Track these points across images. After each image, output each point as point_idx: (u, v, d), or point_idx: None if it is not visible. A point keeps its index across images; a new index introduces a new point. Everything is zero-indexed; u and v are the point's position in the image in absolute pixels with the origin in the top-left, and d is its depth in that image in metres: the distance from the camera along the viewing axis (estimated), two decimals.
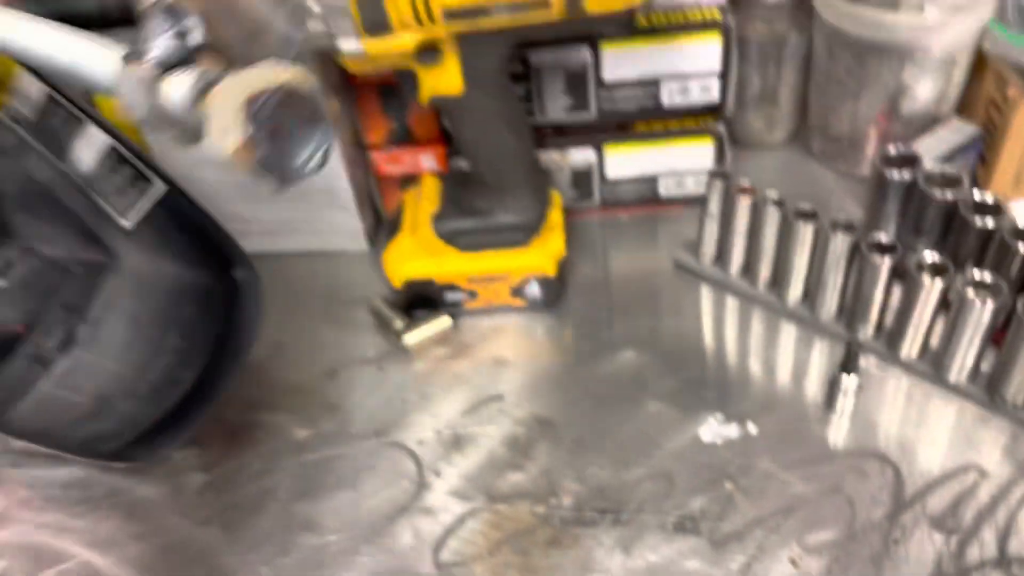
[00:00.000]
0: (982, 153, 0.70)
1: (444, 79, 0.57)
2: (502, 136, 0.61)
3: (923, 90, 0.68)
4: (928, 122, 0.71)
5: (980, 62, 0.69)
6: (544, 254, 0.66)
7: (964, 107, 0.72)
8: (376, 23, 0.52)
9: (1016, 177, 0.69)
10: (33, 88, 0.62)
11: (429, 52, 0.55)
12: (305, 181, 0.71)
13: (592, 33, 0.64)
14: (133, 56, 0.32)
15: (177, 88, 0.31)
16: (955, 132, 0.67)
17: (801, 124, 0.80)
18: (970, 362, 0.57)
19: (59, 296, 0.70)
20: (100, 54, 0.33)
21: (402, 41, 0.53)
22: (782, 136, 0.80)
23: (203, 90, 0.31)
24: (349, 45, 0.53)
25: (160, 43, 0.32)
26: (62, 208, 0.70)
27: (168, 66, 0.31)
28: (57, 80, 0.62)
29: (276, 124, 0.33)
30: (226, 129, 0.31)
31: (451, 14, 0.52)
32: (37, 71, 0.61)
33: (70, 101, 0.62)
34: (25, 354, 0.67)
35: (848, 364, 0.57)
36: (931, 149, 0.66)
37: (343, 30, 0.52)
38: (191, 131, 0.32)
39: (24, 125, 0.65)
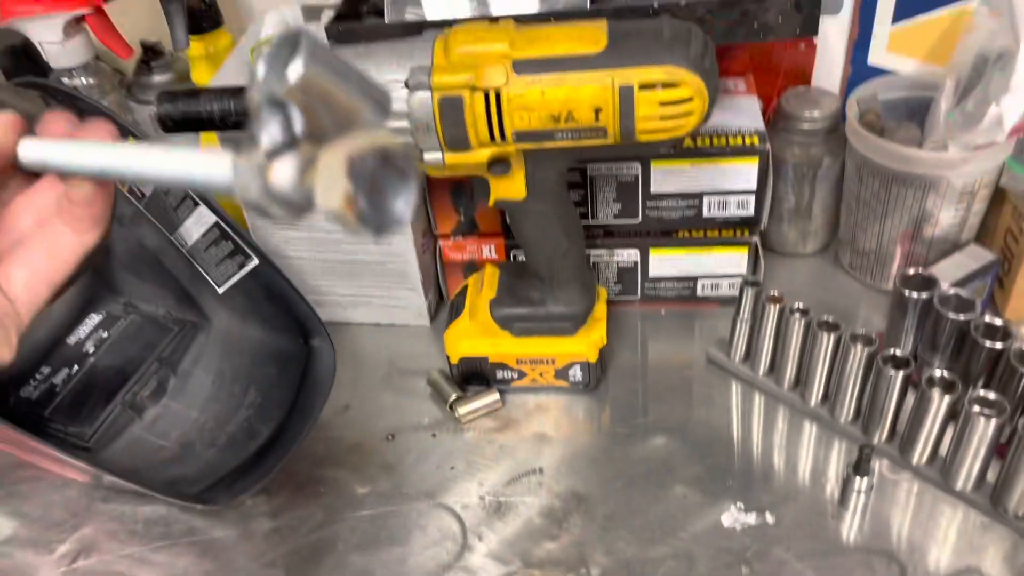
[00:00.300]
0: (1000, 278, 0.76)
1: (510, 187, 0.65)
2: (557, 237, 0.68)
3: (945, 217, 0.75)
4: (949, 245, 0.77)
5: (999, 194, 0.75)
6: (588, 342, 0.73)
7: (984, 233, 0.78)
8: (457, 140, 0.60)
9: None
10: None
11: (499, 164, 0.64)
12: (380, 264, 0.79)
13: (642, 154, 0.72)
14: (245, 147, 0.37)
15: (285, 168, 0.35)
16: (973, 257, 0.73)
17: (832, 238, 0.86)
18: (976, 472, 0.62)
19: (155, 350, 0.79)
20: (211, 159, 0.39)
21: (478, 156, 0.62)
22: (814, 248, 0.86)
23: (308, 165, 0.36)
24: (432, 156, 0.62)
25: (268, 133, 0.36)
26: (165, 272, 0.80)
27: (275, 152, 0.36)
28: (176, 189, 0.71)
29: (374, 181, 0.36)
30: (330, 189, 0.36)
31: (521, 136, 0.60)
32: None
33: None
34: (122, 400, 0.76)
35: (860, 466, 0.62)
36: (950, 272, 0.72)
37: (428, 144, 0.61)
38: (299, 204, 0.37)
39: (141, 200, 0.75)
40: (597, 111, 0.59)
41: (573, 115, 0.59)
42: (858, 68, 0.83)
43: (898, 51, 0.81)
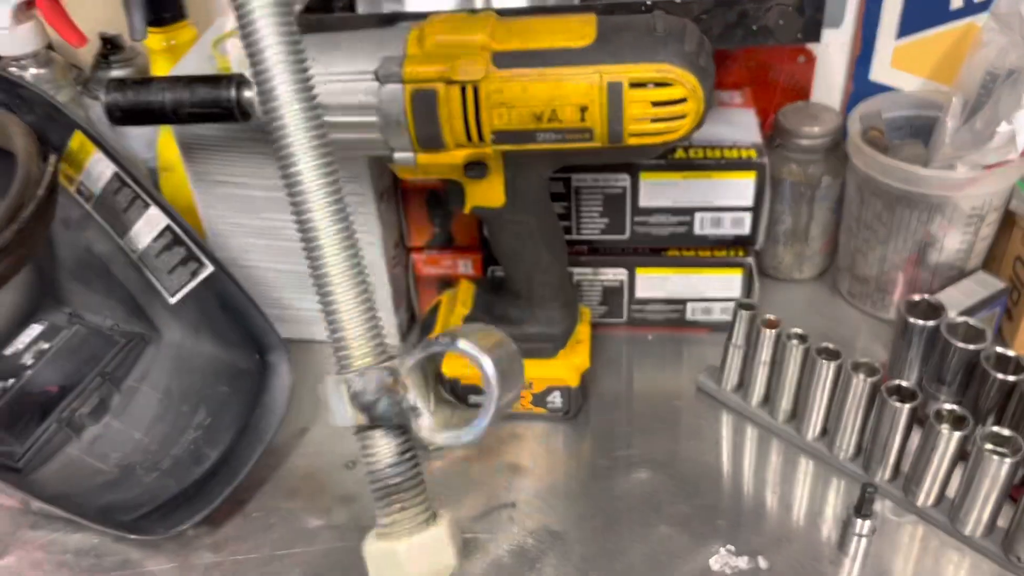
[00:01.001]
0: (1008, 308, 0.71)
1: (488, 192, 0.60)
2: (538, 250, 0.63)
3: (951, 242, 0.70)
4: (955, 272, 0.72)
5: (1007, 219, 0.71)
6: (568, 366, 0.67)
7: (991, 260, 0.74)
8: (431, 139, 0.55)
9: None
10: (104, 168, 0.66)
11: (476, 167, 0.58)
12: None
13: (630, 162, 0.67)
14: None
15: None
16: (982, 285, 0.69)
17: (830, 263, 0.82)
18: (986, 516, 0.57)
19: (98, 364, 0.73)
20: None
21: (452, 156, 0.57)
22: (811, 273, 0.82)
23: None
24: (403, 155, 0.57)
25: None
26: (114, 281, 0.74)
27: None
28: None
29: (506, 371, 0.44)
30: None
31: (500, 136, 0.55)
32: (110, 152, 0.66)
33: (137, 183, 0.66)
34: (58, 417, 0.69)
35: (863, 508, 0.57)
36: (957, 300, 0.67)
37: (398, 143, 0.56)
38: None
39: (90, 200, 0.70)
40: (583, 110, 0.54)
41: (557, 114, 0.54)
42: (860, 84, 0.79)
43: (902, 67, 0.77)
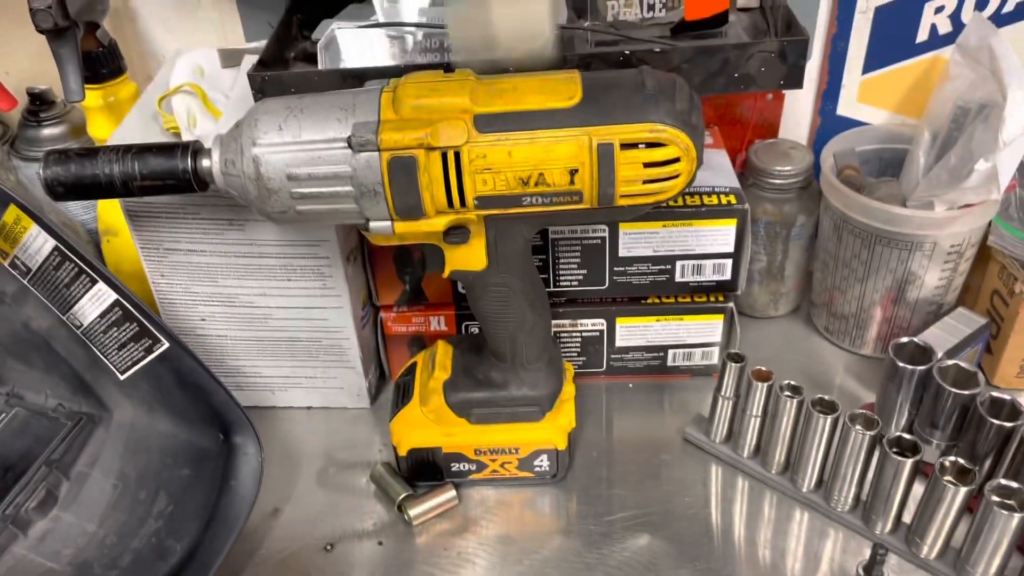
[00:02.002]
0: (988, 342, 0.71)
1: (469, 256, 0.57)
2: (522, 311, 0.60)
3: (931, 279, 0.70)
4: (934, 308, 0.72)
5: (984, 252, 0.71)
6: (556, 428, 0.64)
7: (966, 293, 0.74)
8: (410, 209, 0.52)
9: (1021, 367, 0.70)
10: (43, 242, 0.61)
11: (457, 232, 0.55)
12: (314, 340, 0.69)
13: (617, 219, 0.65)
14: None
15: None
16: (964, 322, 0.68)
17: (805, 299, 0.81)
18: (994, 569, 0.56)
19: (43, 450, 0.67)
20: None
21: (433, 224, 0.53)
22: (786, 310, 0.80)
23: None
24: (379, 225, 0.53)
25: None
26: (57, 357, 0.68)
27: None
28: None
29: None
30: None
31: (484, 202, 0.52)
32: (49, 226, 0.60)
33: (80, 258, 0.61)
34: (1, 515, 0.63)
35: (873, 569, 0.55)
36: (942, 339, 0.67)
37: (374, 212, 0.52)
38: None
39: (27, 275, 0.64)
40: (572, 173, 0.51)
41: (545, 178, 0.51)
42: (827, 119, 0.78)
43: (869, 101, 0.76)
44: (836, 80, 0.76)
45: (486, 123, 0.50)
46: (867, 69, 0.75)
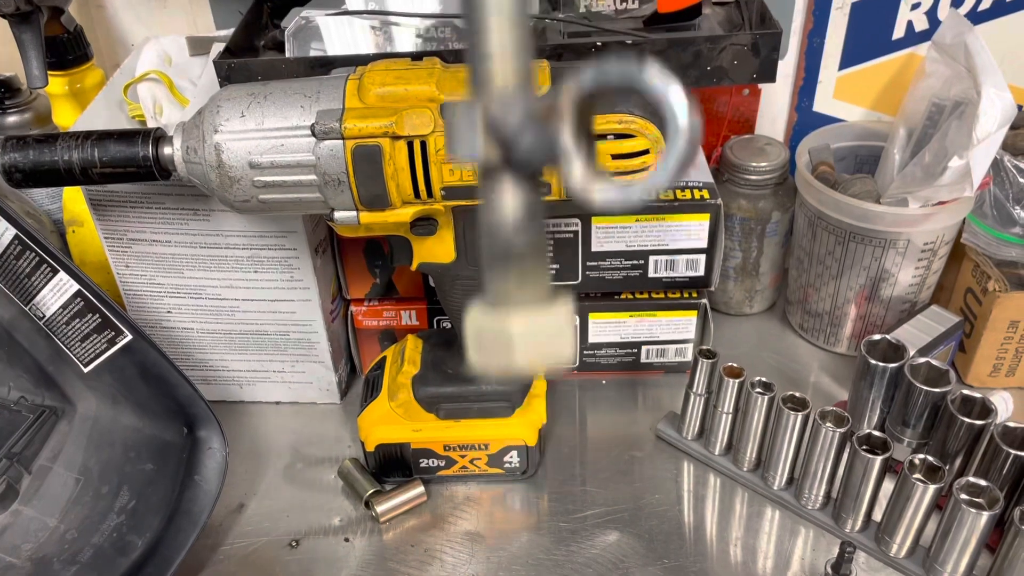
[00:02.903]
0: (961, 342, 0.71)
1: (437, 248, 0.56)
2: None
3: (904, 276, 0.69)
4: (907, 306, 0.72)
5: (957, 250, 0.70)
6: (525, 424, 0.63)
7: (939, 291, 0.73)
8: (375, 199, 0.51)
9: (994, 367, 0.70)
10: (2, 230, 0.59)
11: (424, 223, 0.54)
12: (282, 333, 0.69)
13: (585, 213, 0.64)
14: None
15: None
16: (937, 320, 0.68)
17: (780, 296, 0.80)
18: (963, 566, 0.55)
19: (3, 443, 0.66)
20: None
21: (399, 215, 0.52)
22: (761, 307, 0.80)
23: None
24: (344, 215, 0.52)
25: None
26: (18, 348, 0.66)
27: None
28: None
29: None
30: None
31: (451, 192, 0.51)
32: (9, 214, 0.59)
33: (41, 247, 0.60)
34: None
35: (841, 567, 0.55)
36: (915, 337, 0.66)
37: (339, 202, 0.51)
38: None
39: None
40: None
41: None
42: (803, 115, 0.77)
43: (845, 98, 0.76)
44: (812, 76, 0.76)
45: None
46: (843, 65, 0.75)
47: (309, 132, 0.49)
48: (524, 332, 0.33)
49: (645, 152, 0.50)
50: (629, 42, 0.57)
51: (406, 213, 0.52)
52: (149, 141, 0.51)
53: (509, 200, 0.31)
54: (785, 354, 0.77)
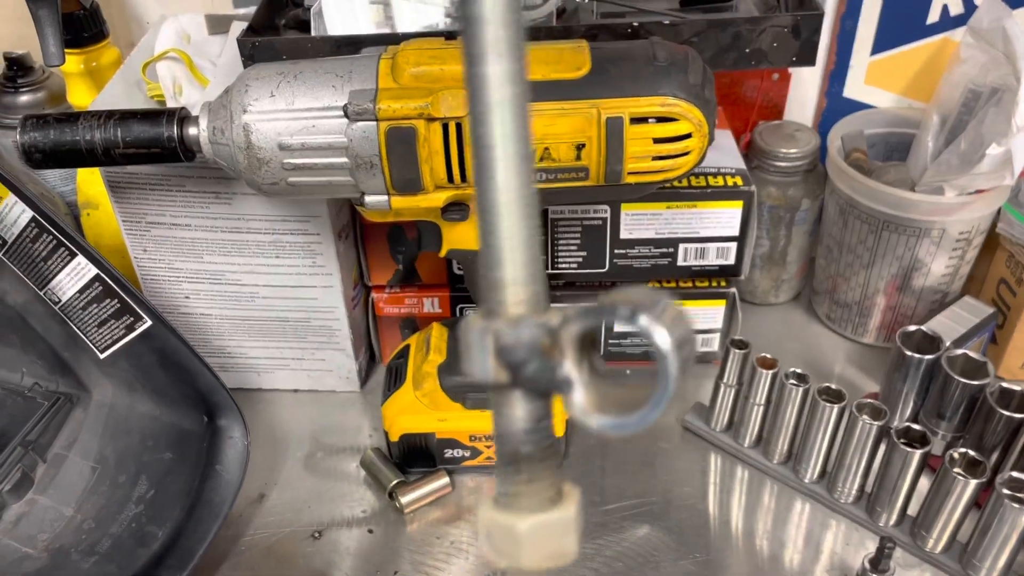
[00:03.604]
0: (993, 334, 0.70)
1: (468, 234, 0.54)
2: None
3: (937, 266, 0.68)
4: (939, 296, 0.70)
5: (990, 240, 0.69)
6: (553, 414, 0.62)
7: (970, 282, 0.72)
8: (408, 183, 0.49)
9: None
10: (19, 213, 0.58)
11: (456, 208, 0.53)
12: (303, 319, 0.67)
13: (623, 199, 0.62)
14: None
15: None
16: (971, 311, 0.67)
17: (805, 285, 0.79)
18: (1002, 563, 0.54)
19: (18, 431, 0.64)
20: None
21: (431, 199, 0.51)
22: (787, 296, 0.79)
23: None
24: (375, 200, 0.51)
25: None
26: (32, 334, 0.65)
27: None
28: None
29: None
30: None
31: None
32: (26, 196, 0.57)
33: (59, 230, 0.58)
34: None
35: (880, 563, 0.54)
36: (949, 329, 0.65)
37: (370, 185, 0.50)
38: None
39: (2, 247, 0.61)
40: (579, 148, 0.48)
41: (550, 152, 0.49)
42: (833, 101, 0.76)
43: (876, 84, 0.74)
44: (844, 61, 0.74)
45: None
46: (876, 50, 0.73)
47: (341, 113, 0.48)
48: (531, 532, 0.34)
49: (688, 136, 0.49)
50: (666, 22, 0.56)
51: (439, 198, 0.51)
52: (174, 121, 0.49)
53: (518, 412, 0.34)
54: (811, 344, 0.76)
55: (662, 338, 0.30)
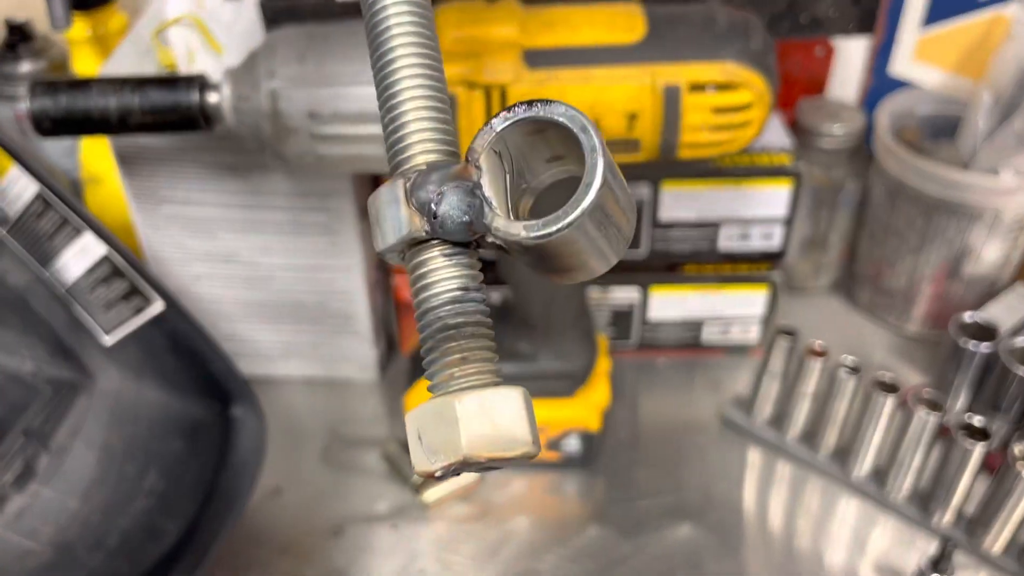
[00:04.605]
0: None
1: None
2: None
3: (989, 253, 0.65)
4: (987, 285, 0.67)
5: None
6: (588, 406, 0.59)
7: (1019, 270, 0.69)
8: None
9: None
10: (24, 187, 0.54)
11: None
12: (320, 304, 0.64)
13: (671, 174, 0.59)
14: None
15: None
16: None
17: (847, 271, 0.75)
18: None
19: (20, 419, 0.61)
20: None
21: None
22: (826, 281, 0.75)
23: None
24: None
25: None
26: (34, 317, 0.61)
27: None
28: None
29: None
30: (434, 453, 0.29)
31: None
32: (32, 168, 0.53)
33: (67, 204, 0.54)
34: None
35: (941, 564, 0.50)
36: (1002, 318, 0.62)
37: None
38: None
39: (4, 224, 0.57)
40: (632, 118, 0.45)
41: (600, 122, 0.45)
42: (879, 78, 0.72)
43: (925, 60, 0.71)
44: (891, 37, 0.70)
45: (537, 58, 0.44)
46: (925, 25, 0.69)
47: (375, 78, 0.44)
48: (470, 411, 0.29)
49: (748, 106, 0.45)
50: None
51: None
52: (195, 87, 0.46)
53: (443, 273, 0.30)
54: (851, 333, 0.73)
55: (592, 130, 0.28)
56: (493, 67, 0.43)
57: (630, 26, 0.45)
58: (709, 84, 0.44)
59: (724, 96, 0.45)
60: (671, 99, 0.44)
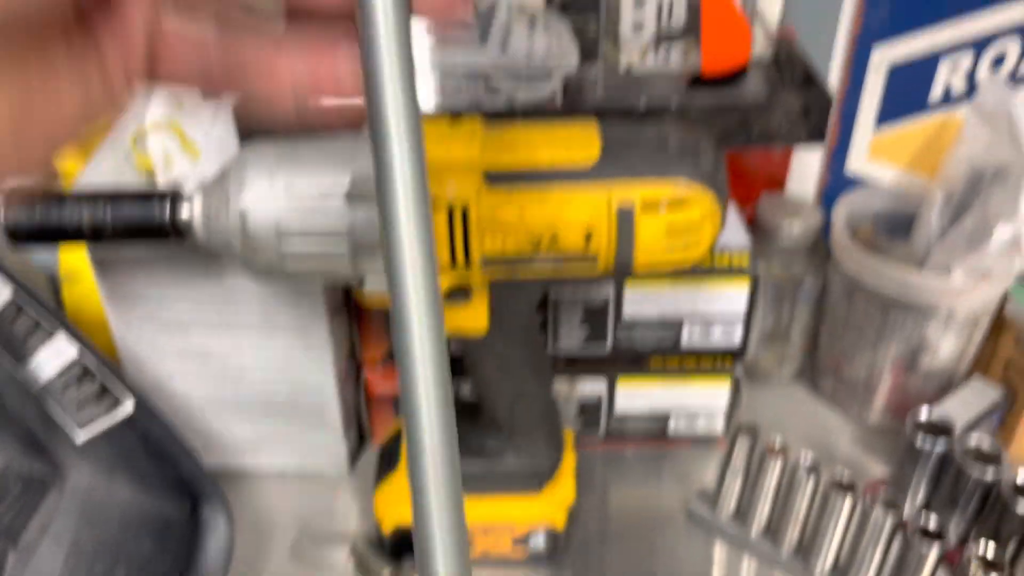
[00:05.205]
0: (1002, 415, 0.68)
1: (469, 319, 0.52)
2: (522, 377, 0.56)
3: (945, 347, 0.67)
4: (945, 378, 0.69)
5: (999, 322, 0.68)
6: (554, 503, 0.60)
7: (978, 363, 0.71)
8: None
9: None
10: None
11: (458, 293, 0.51)
12: (292, 399, 0.64)
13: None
14: None
15: None
16: (980, 395, 0.65)
17: (809, 362, 0.77)
18: None
19: None
20: None
21: None
22: (791, 371, 0.77)
23: None
24: (375, 284, 0.48)
25: None
26: (7, 414, 0.62)
27: None
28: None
29: None
30: None
31: (490, 262, 0.48)
32: (8, 272, 0.55)
33: (41, 305, 0.56)
34: None
35: None
36: (959, 413, 0.63)
37: (372, 268, 0.48)
38: None
39: None
40: (588, 236, 0.47)
41: (558, 239, 0.47)
42: (835, 176, 0.75)
43: (879, 160, 0.74)
44: (846, 137, 0.73)
45: (497, 179, 0.46)
46: (878, 126, 0.73)
47: (343, 198, 0.46)
48: None
49: (700, 222, 0.47)
50: (673, 107, 0.55)
51: (441, 283, 0.49)
52: (166, 203, 0.47)
53: None
54: (814, 423, 0.74)
55: None
56: (455, 187, 0.45)
57: (586, 145, 0.47)
58: (661, 200, 0.46)
59: (675, 214, 0.47)
60: (625, 218, 0.46)
